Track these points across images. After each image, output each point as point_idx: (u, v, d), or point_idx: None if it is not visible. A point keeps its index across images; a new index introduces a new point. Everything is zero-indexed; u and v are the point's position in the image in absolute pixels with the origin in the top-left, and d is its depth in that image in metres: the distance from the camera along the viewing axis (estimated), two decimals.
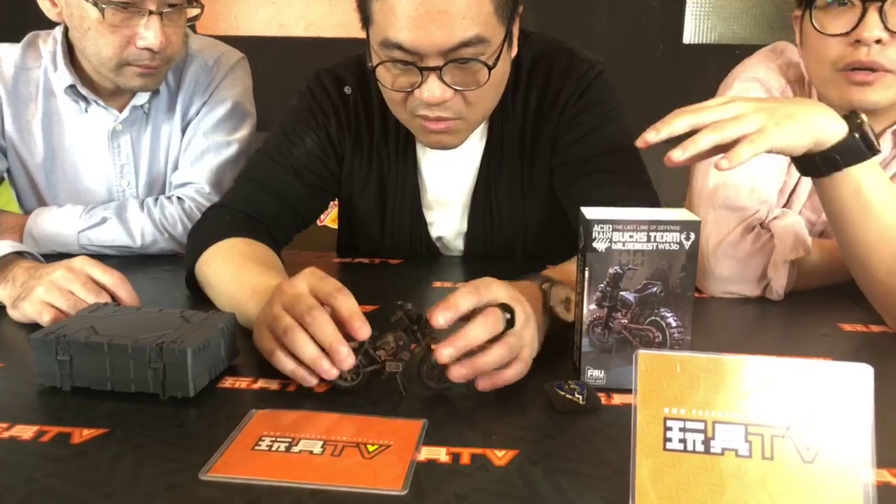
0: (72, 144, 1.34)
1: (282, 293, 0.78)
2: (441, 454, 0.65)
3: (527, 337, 0.76)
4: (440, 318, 0.72)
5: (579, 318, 0.78)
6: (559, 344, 0.84)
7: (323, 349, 0.73)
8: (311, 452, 0.65)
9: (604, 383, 0.78)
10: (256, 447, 0.66)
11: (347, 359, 0.72)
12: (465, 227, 1.25)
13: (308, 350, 0.73)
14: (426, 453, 0.65)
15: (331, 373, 0.73)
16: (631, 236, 0.74)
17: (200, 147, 1.32)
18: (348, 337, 0.74)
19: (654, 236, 0.74)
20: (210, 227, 1.10)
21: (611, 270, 0.76)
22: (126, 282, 0.95)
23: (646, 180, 1.11)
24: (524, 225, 1.22)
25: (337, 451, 0.65)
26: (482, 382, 0.74)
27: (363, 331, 0.74)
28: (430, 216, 1.25)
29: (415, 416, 0.71)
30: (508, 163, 1.19)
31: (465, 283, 0.76)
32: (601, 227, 0.74)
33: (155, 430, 0.69)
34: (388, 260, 1.26)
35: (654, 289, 0.76)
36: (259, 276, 0.94)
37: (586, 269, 0.76)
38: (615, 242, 0.75)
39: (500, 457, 0.65)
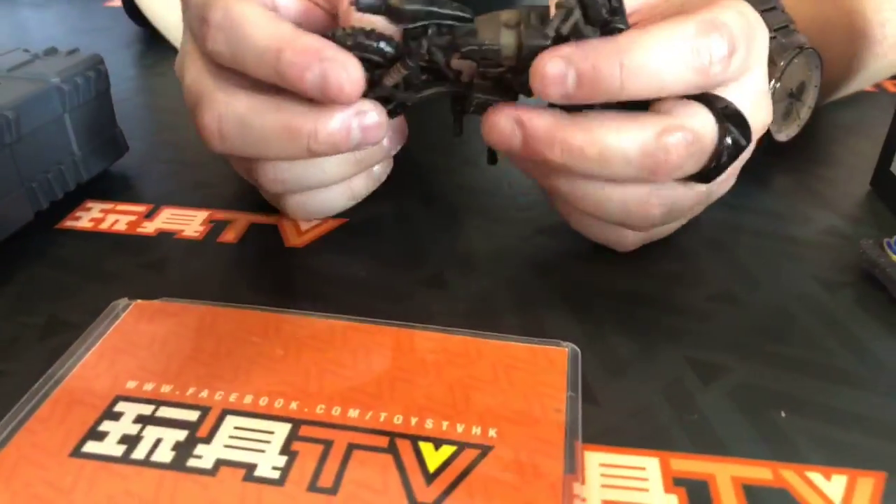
0: None
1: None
2: (654, 483, 0.21)
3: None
4: None
5: None
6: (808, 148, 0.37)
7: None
8: (250, 475, 0.21)
9: None
10: (88, 443, 0.22)
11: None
12: None
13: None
14: (599, 474, 0.21)
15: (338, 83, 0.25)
16: None
17: None
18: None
19: None
20: None
21: None
22: None
23: None
24: None
25: (333, 467, 0.21)
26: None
27: None
28: None
29: (535, 317, 0.27)
30: None
31: None
32: None
33: None
34: None
35: None
36: None
37: None
38: None
39: (831, 495, 0.21)
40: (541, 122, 0.25)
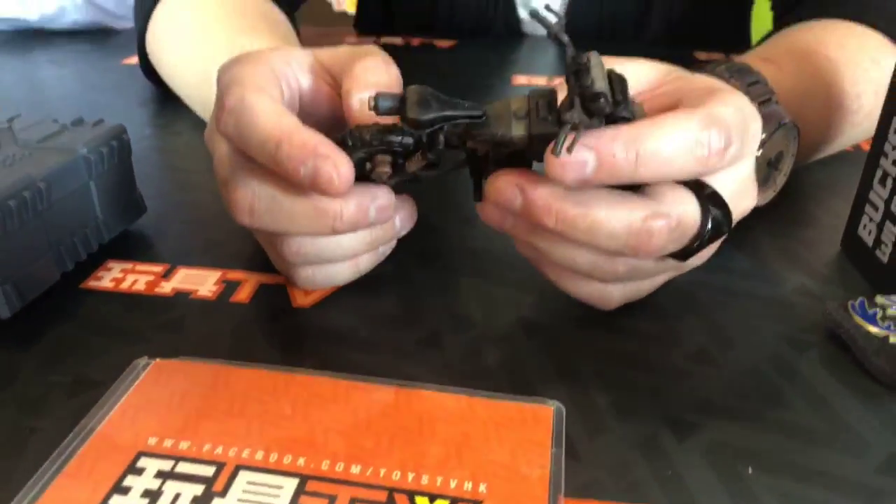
0: None
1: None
2: None
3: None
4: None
5: None
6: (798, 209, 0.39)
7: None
8: None
9: None
10: (114, 497, 0.24)
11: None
12: None
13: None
14: None
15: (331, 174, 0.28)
16: None
17: None
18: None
19: None
20: None
21: None
22: None
23: None
24: None
25: None
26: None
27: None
28: None
29: (524, 376, 0.29)
30: None
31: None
32: None
33: None
34: (435, 41, 0.78)
35: None
36: (253, 38, 0.47)
37: None
38: None
39: None
40: (541, 192, 0.28)
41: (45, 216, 0.34)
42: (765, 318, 0.34)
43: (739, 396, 0.29)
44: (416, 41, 0.78)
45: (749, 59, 0.43)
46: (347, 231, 0.30)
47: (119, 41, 0.80)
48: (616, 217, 0.27)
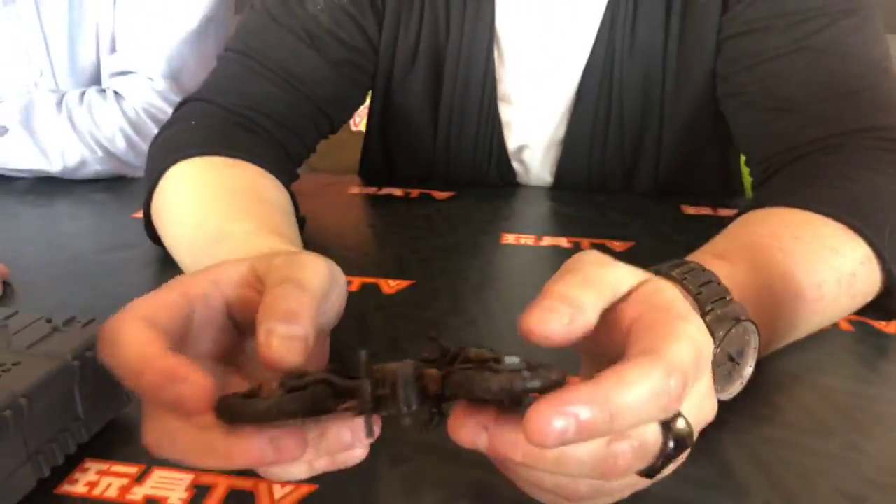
0: None
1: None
2: None
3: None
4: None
5: None
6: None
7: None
8: None
9: None
10: None
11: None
12: (562, 129, 0.79)
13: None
14: None
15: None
16: None
17: (146, 14, 0.87)
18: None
19: None
20: (172, 137, 0.66)
21: None
22: None
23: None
24: (657, 134, 0.76)
25: None
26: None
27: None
28: (507, 111, 0.80)
29: None
30: (646, 21, 0.73)
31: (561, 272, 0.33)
32: None
33: None
34: (433, 192, 0.82)
35: None
36: (241, 224, 0.50)
37: None
38: None
39: None
40: (505, 430, 0.28)
41: (26, 429, 0.35)
42: None
43: None
44: (414, 192, 0.82)
45: (702, 256, 0.44)
46: (245, 468, 0.30)
47: (135, 190, 0.84)
48: (580, 446, 0.28)
